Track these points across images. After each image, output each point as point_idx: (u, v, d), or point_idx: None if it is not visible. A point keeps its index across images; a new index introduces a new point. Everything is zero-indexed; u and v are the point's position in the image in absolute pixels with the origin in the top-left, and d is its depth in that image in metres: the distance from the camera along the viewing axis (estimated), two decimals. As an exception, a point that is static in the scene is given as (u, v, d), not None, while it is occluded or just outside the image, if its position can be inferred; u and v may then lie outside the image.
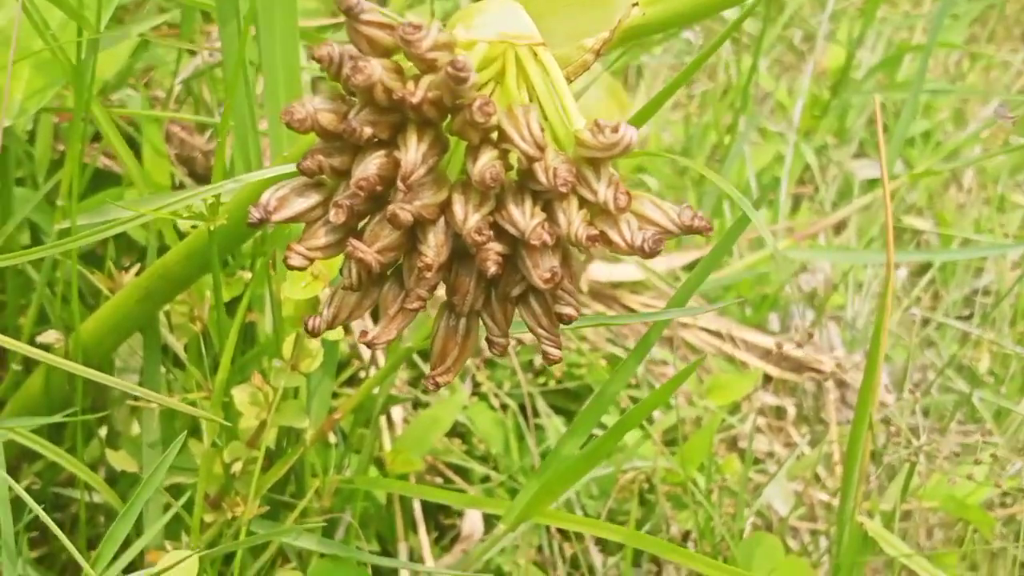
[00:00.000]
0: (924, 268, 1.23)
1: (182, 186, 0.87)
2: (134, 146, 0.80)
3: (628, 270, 0.97)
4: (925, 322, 1.14)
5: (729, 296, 1.05)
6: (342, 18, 0.41)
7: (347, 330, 0.85)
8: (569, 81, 0.44)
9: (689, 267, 1.04)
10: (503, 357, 0.90)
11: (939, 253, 1.13)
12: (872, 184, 1.32)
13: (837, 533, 0.66)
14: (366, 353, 0.89)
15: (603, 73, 0.90)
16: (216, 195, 0.58)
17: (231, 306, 0.74)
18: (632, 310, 0.97)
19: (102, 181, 0.83)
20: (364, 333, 0.43)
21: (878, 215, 1.23)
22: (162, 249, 0.75)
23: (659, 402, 0.70)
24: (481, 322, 0.45)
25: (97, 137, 0.83)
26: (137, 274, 0.71)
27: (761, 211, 1.13)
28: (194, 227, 0.64)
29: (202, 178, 0.92)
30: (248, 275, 0.73)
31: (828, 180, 1.30)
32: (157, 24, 0.79)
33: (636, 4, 0.47)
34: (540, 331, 0.43)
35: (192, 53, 0.88)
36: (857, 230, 1.24)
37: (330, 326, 0.45)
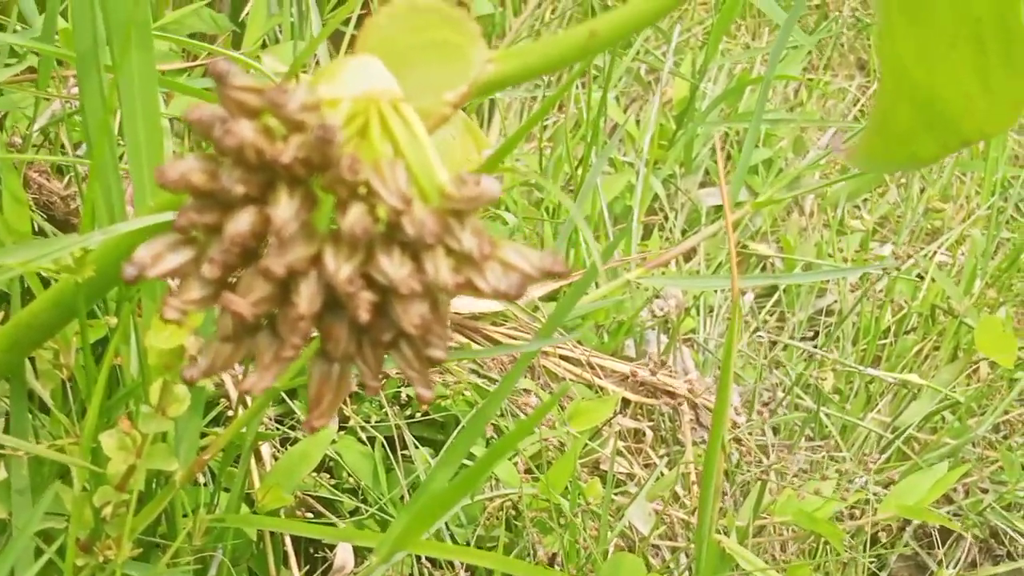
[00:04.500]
0: (770, 291, 1.28)
1: (42, 232, 0.87)
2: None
3: (489, 302, 1.00)
4: (772, 343, 1.19)
5: (586, 324, 1.08)
6: (197, 62, 0.42)
7: (218, 381, 0.86)
8: (430, 132, 0.46)
9: (547, 297, 1.07)
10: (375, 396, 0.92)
11: (784, 277, 1.18)
12: (718, 211, 1.37)
13: (696, 551, 0.69)
14: (234, 392, 0.90)
15: (457, 111, 0.92)
16: (83, 247, 0.59)
17: (96, 349, 0.74)
18: (495, 340, 1.00)
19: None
20: (241, 381, 0.45)
21: (725, 241, 1.28)
22: (25, 295, 0.75)
23: (527, 431, 0.72)
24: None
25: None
26: (2, 322, 0.71)
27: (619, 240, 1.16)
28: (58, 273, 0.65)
29: (61, 223, 0.92)
30: (114, 320, 0.74)
31: (677, 208, 1.35)
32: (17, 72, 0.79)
33: (491, 61, 0.49)
34: (412, 373, 0.45)
35: (47, 100, 0.88)
36: (705, 256, 1.29)
37: (206, 375, 0.46)
